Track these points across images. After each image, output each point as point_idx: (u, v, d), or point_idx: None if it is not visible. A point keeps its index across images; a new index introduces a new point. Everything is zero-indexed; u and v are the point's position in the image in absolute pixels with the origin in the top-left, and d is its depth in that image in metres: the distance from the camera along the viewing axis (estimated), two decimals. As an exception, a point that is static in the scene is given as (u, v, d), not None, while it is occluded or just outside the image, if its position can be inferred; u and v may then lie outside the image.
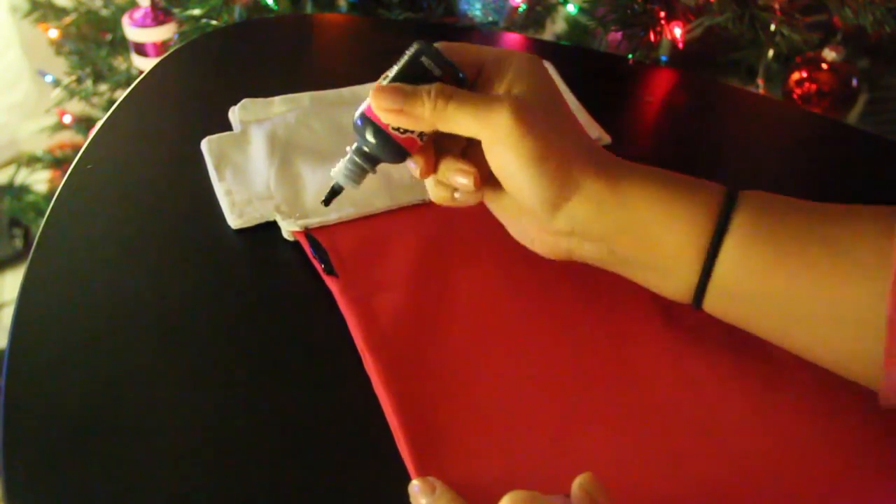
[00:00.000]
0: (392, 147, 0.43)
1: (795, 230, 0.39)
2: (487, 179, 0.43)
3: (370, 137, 0.43)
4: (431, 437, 0.40)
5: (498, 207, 0.45)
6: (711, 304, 0.41)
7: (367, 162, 0.44)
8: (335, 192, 0.45)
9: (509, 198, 0.43)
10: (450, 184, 0.44)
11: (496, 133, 0.40)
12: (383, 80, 0.42)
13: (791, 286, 0.39)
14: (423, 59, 0.42)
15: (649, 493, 0.39)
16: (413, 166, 0.44)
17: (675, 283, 0.42)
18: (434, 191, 0.45)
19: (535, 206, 0.42)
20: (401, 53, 0.43)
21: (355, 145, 0.44)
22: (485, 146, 0.41)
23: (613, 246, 0.42)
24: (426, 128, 0.42)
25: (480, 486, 0.38)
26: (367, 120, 0.42)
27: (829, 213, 0.40)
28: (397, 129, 0.42)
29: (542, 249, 0.45)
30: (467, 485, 0.38)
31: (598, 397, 0.43)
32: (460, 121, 0.41)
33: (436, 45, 0.43)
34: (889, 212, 0.38)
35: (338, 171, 0.44)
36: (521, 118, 0.39)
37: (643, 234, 0.41)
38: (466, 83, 0.42)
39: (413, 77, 0.42)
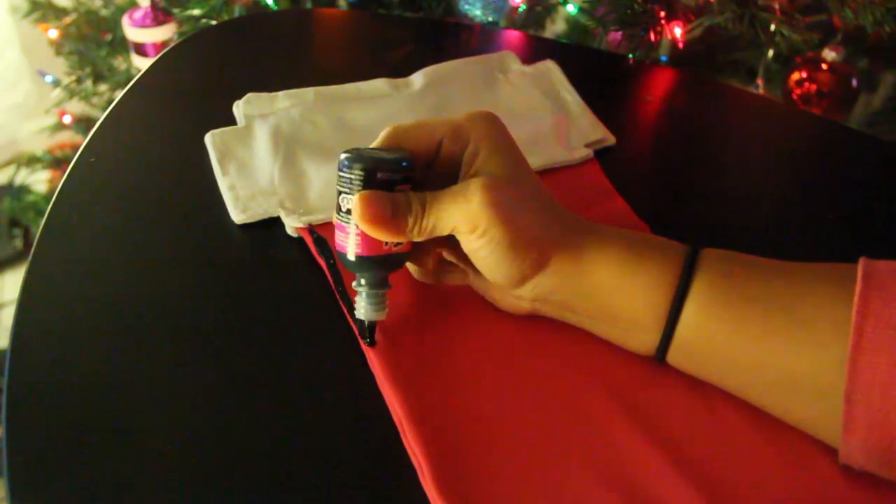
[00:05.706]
0: (395, 260, 0.42)
1: (756, 296, 0.39)
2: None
3: (369, 265, 0.42)
4: (440, 431, 0.40)
5: (461, 267, 0.46)
6: (674, 361, 0.42)
7: (381, 286, 0.43)
8: (373, 326, 0.44)
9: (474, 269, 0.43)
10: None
11: (468, 222, 0.40)
12: (342, 209, 0.41)
13: (751, 353, 0.39)
14: (379, 174, 0.40)
15: None
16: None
17: (636, 343, 0.43)
18: (410, 268, 0.46)
19: (500, 283, 0.42)
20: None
21: (362, 281, 0.43)
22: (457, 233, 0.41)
23: (575, 308, 0.43)
24: (416, 236, 0.41)
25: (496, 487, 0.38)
26: (361, 257, 0.42)
27: (792, 276, 0.40)
28: (390, 244, 0.41)
29: (503, 307, 0.45)
30: (482, 487, 0.38)
31: (619, 411, 0.42)
32: (442, 221, 0.40)
33: (384, 133, 0.42)
34: (851, 276, 0.37)
35: (363, 311, 0.43)
36: (488, 202, 0.39)
37: (604, 301, 0.42)
38: (414, 170, 0.42)
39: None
